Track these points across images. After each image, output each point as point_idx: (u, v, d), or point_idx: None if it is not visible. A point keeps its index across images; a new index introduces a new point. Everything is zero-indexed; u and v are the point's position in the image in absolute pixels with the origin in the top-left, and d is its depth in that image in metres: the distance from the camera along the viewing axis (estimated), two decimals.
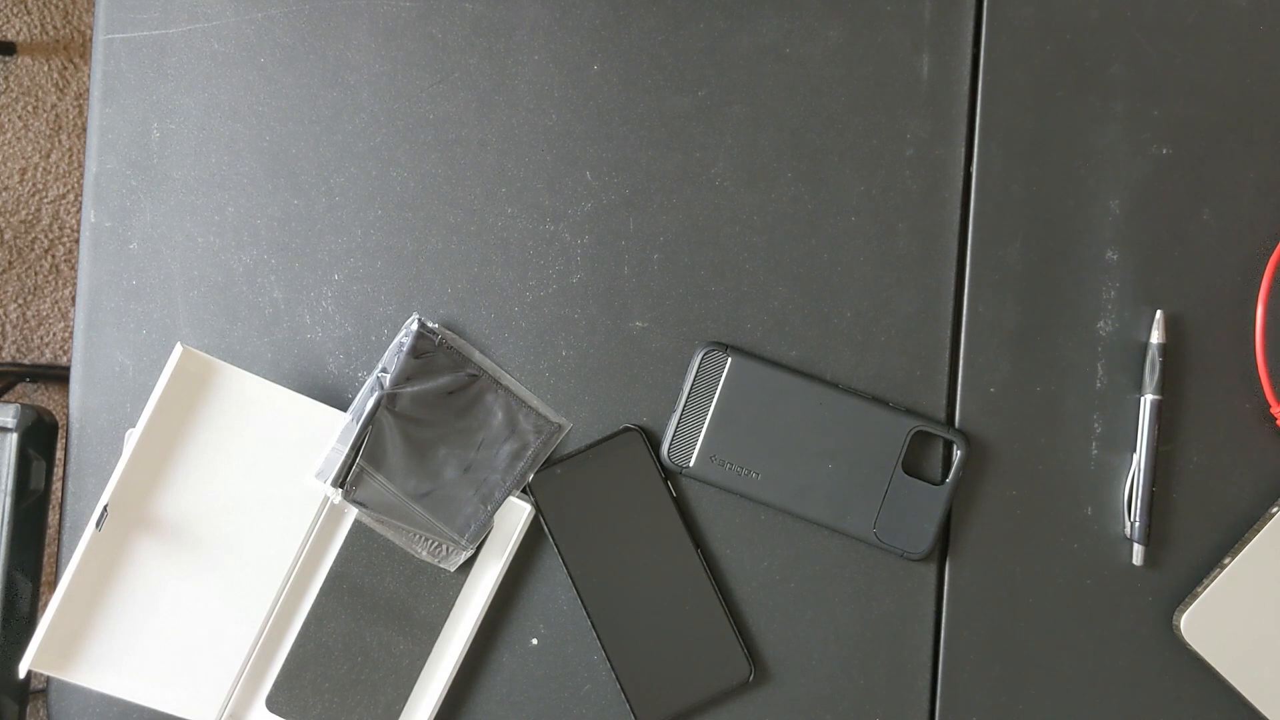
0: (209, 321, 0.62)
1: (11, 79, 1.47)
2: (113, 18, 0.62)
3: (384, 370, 0.58)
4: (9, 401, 0.70)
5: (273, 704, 0.59)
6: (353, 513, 0.59)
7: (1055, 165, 0.61)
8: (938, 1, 0.61)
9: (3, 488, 0.67)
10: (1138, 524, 0.59)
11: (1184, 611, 0.58)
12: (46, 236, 1.47)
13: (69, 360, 1.15)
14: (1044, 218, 0.61)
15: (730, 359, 0.59)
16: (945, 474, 0.60)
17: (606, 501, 0.60)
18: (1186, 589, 0.60)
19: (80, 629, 0.58)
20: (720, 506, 0.61)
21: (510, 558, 0.59)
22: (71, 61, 1.48)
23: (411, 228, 0.62)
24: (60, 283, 1.47)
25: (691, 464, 0.59)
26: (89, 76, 0.63)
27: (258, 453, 0.59)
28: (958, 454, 0.59)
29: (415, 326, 0.59)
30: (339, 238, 0.62)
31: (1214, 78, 0.61)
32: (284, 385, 0.58)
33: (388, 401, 0.58)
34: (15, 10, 1.48)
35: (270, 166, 0.62)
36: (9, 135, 1.47)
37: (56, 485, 1.30)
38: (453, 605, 0.60)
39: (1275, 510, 0.59)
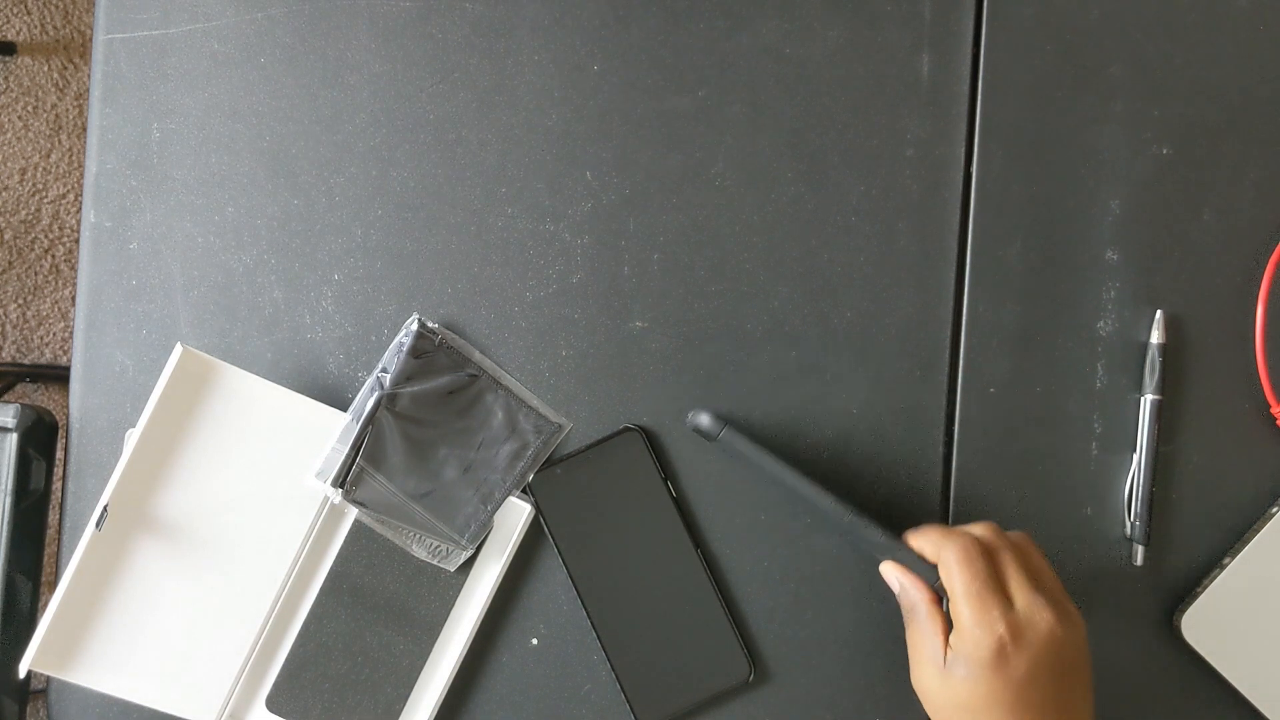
0: (209, 321, 0.62)
1: (11, 79, 1.47)
2: (113, 18, 0.62)
3: (384, 370, 0.58)
4: (9, 401, 0.70)
5: (273, 704, 0.59)
6: (353, 513, 0.59)
7: (1055, 165, 0.61)
8: (938, 1, 0.61)
9: (3, 488, 0.67)
10: (1138, 524, 0.59)
11: (1184, 611, 0.58)
12: (46, 236, 1.47)
13: (69, 360, 1.15)
14: (1044, 218, 0.61)
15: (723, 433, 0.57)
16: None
17: (606, 501, 0.60)
18: (1186, 589, 0.60)
19: (80, 629, 0.58)
20: (720, 506, 0.61)
21: (510, 558, 0.59)
22: (71, 61, 1.48)
23: (411, 228, 0.62)
24: (60, 283, 1.47)
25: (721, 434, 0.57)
26: (89, 76, 0.63)
27: (258, 453, 0.59)
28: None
29: (415, 326, 0.59)
30: (339, 238, 0.62)
31: (1214, 78, 0.61)
32: (284, 385, 0.58)
33: (388, 401, 0.58)
34: (15, 10, 1.48)
35: (270, 166, 0.62)
36: (9, 135, 1.47)
37: (56, 485, 1.29)
38: (453, 605, 0.60)
39: (1275, 510, 0.59)
